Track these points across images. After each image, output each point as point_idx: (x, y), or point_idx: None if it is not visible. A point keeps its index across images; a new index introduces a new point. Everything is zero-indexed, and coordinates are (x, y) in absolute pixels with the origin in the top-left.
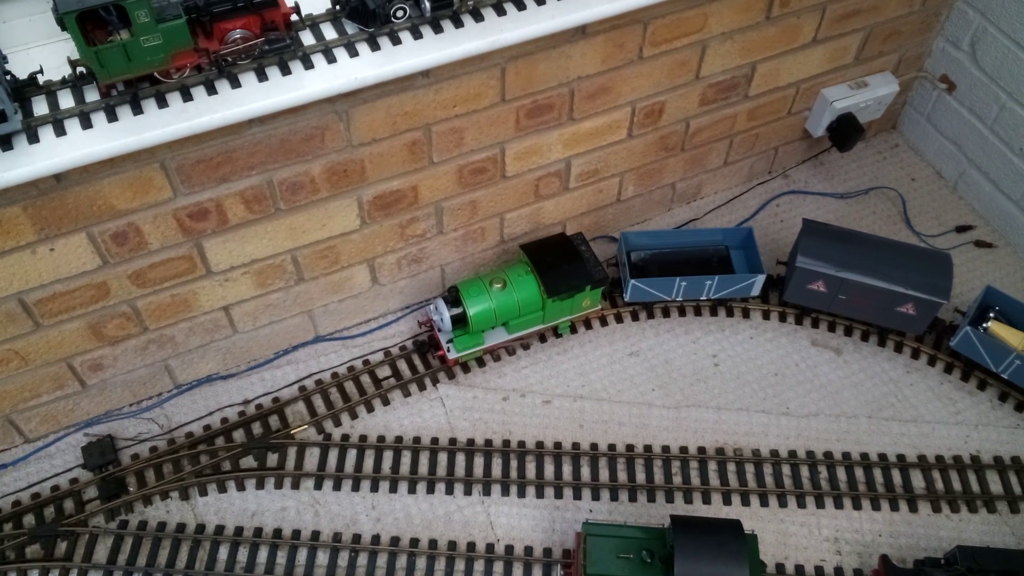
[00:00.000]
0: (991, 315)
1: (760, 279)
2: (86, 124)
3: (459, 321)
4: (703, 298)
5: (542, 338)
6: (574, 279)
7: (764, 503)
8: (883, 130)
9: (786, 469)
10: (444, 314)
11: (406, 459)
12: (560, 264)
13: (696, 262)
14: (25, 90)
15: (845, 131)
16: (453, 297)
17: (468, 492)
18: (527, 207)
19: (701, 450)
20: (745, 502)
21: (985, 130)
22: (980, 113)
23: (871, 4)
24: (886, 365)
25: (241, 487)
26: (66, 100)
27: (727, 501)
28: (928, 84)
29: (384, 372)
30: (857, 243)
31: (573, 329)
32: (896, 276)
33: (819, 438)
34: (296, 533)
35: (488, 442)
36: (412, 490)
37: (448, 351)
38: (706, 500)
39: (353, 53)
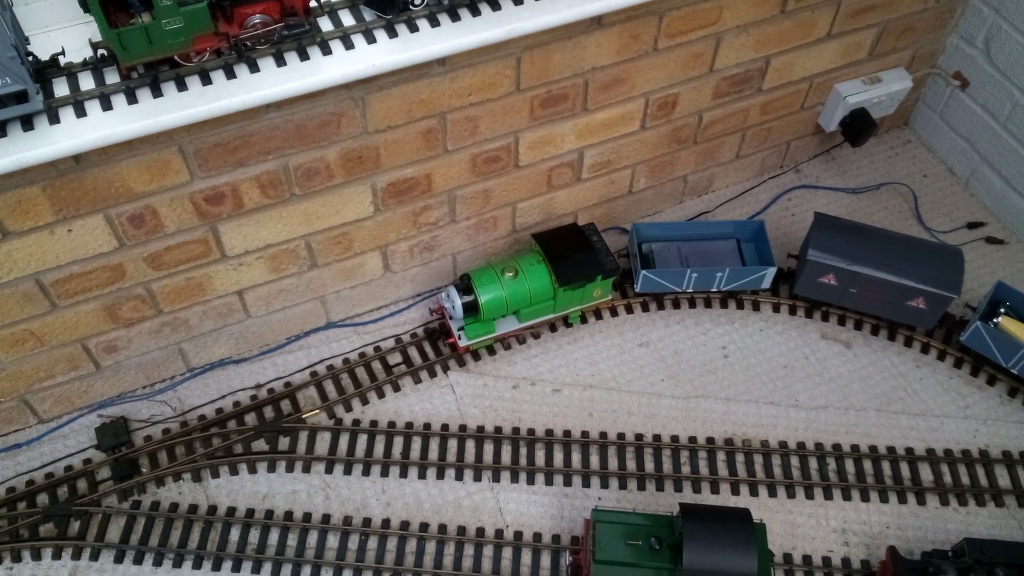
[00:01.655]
0: (1002, 310)
1: (771, 272)
2: (106, 106)
3: (470, 309)
4: (714, 290)
5: (552, 327)
6: (585, 269)
7: (772, 494)
8: (895, 126)
9: (794, 460)
10: (456, 301)
11: (416, 445)
12: (572, 254)
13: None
14: (47, 71)
15: (858, 126)
16: (465, 285)
17: (478, 478)
18: (539, 197)
19: (710, 440)
20: (753, 492)
21: (998, 127)
22: (993, 110)
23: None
24: (896, 359)
25: (253, 470)
26: (87, 82)
27: (735, 491)
28: (941, 80)
29: (395, 359)
30: (869, 237)
31: (584, 319)
32: (907, 270)
33: (828, 430)
34: (307, 516)
35: (498, 429)
36: (422, 475)
37: (459, 339)
38: (714, 490)
39: (371, 40)
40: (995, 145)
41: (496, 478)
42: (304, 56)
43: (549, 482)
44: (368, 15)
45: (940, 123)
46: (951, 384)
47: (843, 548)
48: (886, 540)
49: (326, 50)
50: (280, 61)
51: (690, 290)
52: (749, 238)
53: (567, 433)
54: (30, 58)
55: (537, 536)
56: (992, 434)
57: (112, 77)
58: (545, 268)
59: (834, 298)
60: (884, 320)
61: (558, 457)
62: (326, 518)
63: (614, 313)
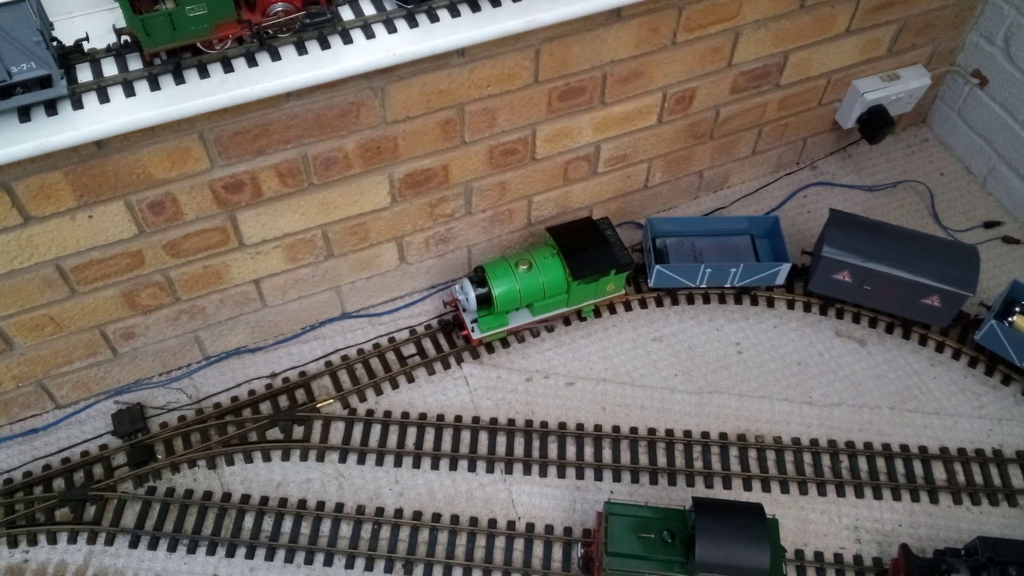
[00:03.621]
0: (1017, 310)
1: (785, 268)
2: (129, 92)
3: (484, 301)
4: (727, 285)
5: (566, 321)
6: (599, 263)
7: (785, 490)
8: (913, 124)
9: (807, 457)
10: (470, 293)
11: (429, 436)
12: (586, 248)
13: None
14: (70, 57)
15: (875, 123)
16: (479, 277)
17: (490, 470)
18: (555, 190)
19: (723, 436)
20: (766, 488)
21: (1016, 126)
22: (1012, 109)
23: None
24: (910, 358)
25: (267, 458)
26: (110, 68)
27: (748, 487)
28: (960, 78)
29: (409, 350)
30: (884, 234)
31: (597, 313)
32: (922, 268)
33: (841, 427)
34: (320, 504)
35: (511, 422)
36: (435, 466)
37: (472, 331)
38: (727, 485)
39: (391, 29)
40: (1013, 144)
41: (509, 470)
42: (325, 45)
43: (561, 475)
44: (389, 5)
45: (958, 121)
46: (965, 383)
47: (855, 545)
48: (898, 538)
49: (347, 39)
50: (301, 49)
51: (704, 286)
52: (763, 234)
53: (580, 426)
54: (54, 43)
55: (549, 528)
56: (1006, 434)
57: (135, 63)
58: (559, 261)
59: (848, 295)
60: (899, 318)
61: (571, 450)
62: (339, 507)
63: (628, 308)
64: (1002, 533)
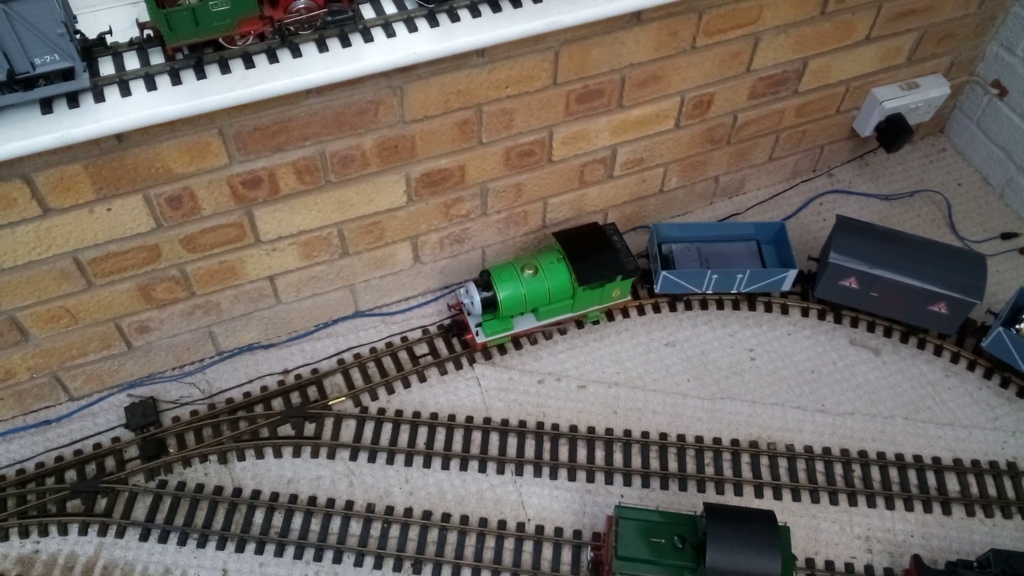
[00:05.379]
0: None
1: (791, 274)
2: (151, 86)
3: (489, 305)
4: (734, 291)
5: (578, 324)
6: (606, 269)
7: (796, 498)
8: (931, 133)
9: (819, 465)
10: (475, 297)
11: (440, 436)
12: (592, 254)
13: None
14: (93, 50)
15: (893, 132)
16: (484, 281)
17: (501, 471)
18: (571, 193)
19: (735, 442)
20: (777, 496)
21: None
22: None
23: (927, 4)
24: (924, 368)
25: (278, 454)
26: (132, 62)
27: (759, 494)
28: (979, 88)
29: (421, 350)
30: (891, 241)
31: (610, 317)
32: (929, 275)
33: (854, 436)
34: (331, 502)
35: (522, 423)
36: (445, 466)
37: (477, 335)
38: (738, 492)
39: (412, 28)
40: None
41: (519, 472)
42: (346, 43)
43: (572, 478)
44: (410, 3)
45: (976, 131)
46: (980, 395)
47: (866, 555)
48: (910, 548)
49: (368, 37)
50: (322, 47)
51: (710, 291)
52: (770, 240)
53: (591, 429)
54: (78, 36)
55: (559, 531)
56: (1021, 446)
57: (157, 58)
58: (565, 266)
59: (855, 301)
60: (907, 325)
61: (582, 453)
62: (349, 504)
63: (641, 312)
64: (1015, 546)
